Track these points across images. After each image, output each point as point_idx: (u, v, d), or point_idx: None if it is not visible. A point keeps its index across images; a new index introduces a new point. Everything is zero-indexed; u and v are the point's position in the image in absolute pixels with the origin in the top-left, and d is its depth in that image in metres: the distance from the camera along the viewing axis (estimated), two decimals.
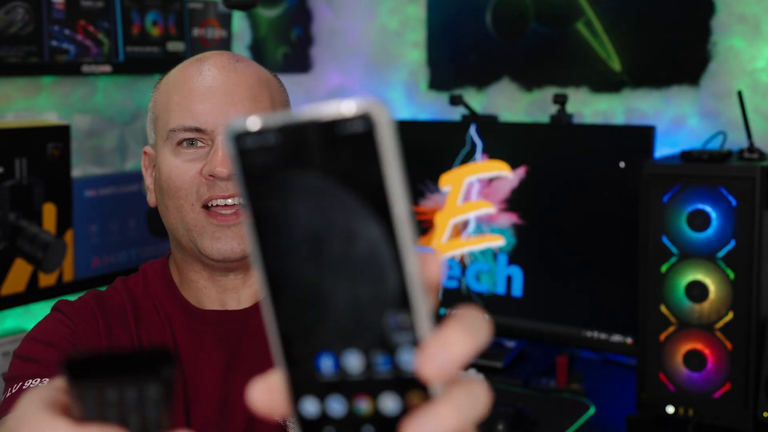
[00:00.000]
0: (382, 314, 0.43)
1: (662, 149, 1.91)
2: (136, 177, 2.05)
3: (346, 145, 0.42)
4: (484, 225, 2.01)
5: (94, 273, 1.96)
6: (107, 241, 1.99)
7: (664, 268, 1.61)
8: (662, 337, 1.62)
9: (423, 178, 2.07)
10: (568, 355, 1.90)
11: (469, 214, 2.02)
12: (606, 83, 2.06)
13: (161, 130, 1.09)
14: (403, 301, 0.43)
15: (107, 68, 1.96)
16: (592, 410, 1.78)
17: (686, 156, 1.63)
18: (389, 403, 0.43)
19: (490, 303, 2.02)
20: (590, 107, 2.08)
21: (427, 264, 0.43)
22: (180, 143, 1.07)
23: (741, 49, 1.89)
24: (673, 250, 1.60)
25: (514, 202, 1.97)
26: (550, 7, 2.13)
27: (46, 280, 1.85)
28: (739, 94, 1.69)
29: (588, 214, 1.88)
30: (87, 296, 1.14)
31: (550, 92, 2.10)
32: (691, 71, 1.95)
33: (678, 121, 1.98)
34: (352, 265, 0.43)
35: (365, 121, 0.42)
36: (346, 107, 0.42)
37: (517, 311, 1.98)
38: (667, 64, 1.98)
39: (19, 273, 1.79)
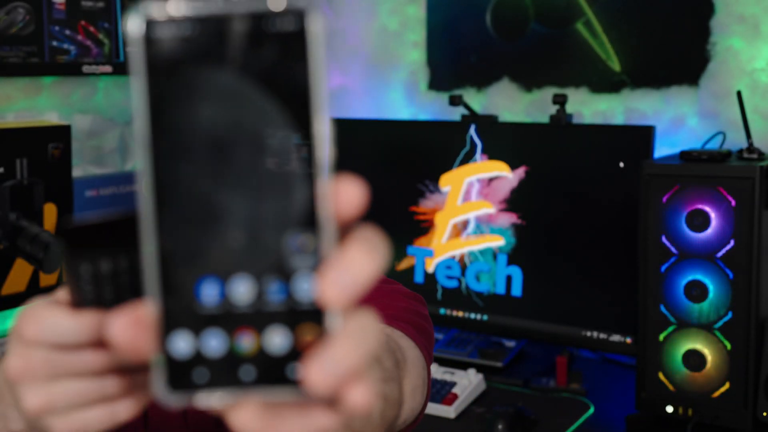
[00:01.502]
0: (283, 234, 0.39)
1: (662, 149, 1.91)
2: (137, 177, 2.05)
3: (272, 44, 0.39)
4: (484, 225, 2.01)
5: None
6: None
7: (663, 268, 1.61)
8: (662, 336, 1.62)
9: (423, 178, 2.07)
10: (567, 354, 1.90)
11: (469, 214, 2.02)
12: (606, 83, 2.06)
13: None
14: (308, 221, 0.39)
15: (108, 68, 1.96)
16: (591, 410, 1.78)
17: (686, 156, 1.63)
18: (276, 339, 0.39)
19: (490, 303, 2.02)
20: (590, 107, 2.08)
21: (342, 189, 0.40)
22: None
23: (740, 50, 1.89)
24: (673, 250, 1.60)
25: (514, 202, 1.97)
26: (550, 7, 2.13)
27: (47, 280, 1.85)
28: (739, 94, 1.69)
29: (587, 214, 1.89)
30: None
31: (549, 92, 2.10)
32: (691, 71, 1.95)
33: (677, 121, 1.98)
34: (257, 176, 0.39)
35: (297, 18, 0.39)
36: (277, 2, 0.39)
37: (517, 311, 1.99)
38: (666, 64, 1.99)
39: (20, 273, 1.80)
